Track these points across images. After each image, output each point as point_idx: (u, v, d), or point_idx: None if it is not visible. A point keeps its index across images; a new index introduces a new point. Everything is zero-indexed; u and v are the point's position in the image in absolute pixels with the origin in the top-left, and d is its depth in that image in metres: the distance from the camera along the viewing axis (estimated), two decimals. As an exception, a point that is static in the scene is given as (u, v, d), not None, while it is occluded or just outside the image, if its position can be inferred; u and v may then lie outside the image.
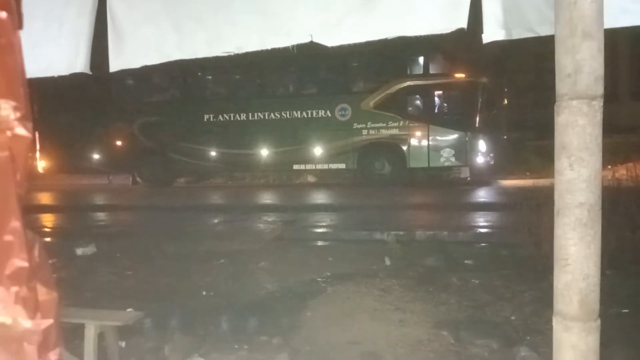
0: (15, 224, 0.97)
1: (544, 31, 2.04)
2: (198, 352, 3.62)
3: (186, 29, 2.50)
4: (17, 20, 1.01)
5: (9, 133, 0.98)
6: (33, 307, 0.97)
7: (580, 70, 1.60)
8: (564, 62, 1.63)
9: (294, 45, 2.32)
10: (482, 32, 2.18)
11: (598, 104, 1.61)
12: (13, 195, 0.98)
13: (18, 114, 0.98)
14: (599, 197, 1.63)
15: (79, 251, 6.79)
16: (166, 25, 2.52)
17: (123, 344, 3.60)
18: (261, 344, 3.79)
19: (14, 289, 0.96)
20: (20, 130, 0.99)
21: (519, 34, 2.14)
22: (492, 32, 2.16)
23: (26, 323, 0.97)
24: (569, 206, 1.64)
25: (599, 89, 1.61)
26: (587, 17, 1.58)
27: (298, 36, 2.30)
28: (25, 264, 0.97)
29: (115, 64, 2.60)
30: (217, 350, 3.67)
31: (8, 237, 0.96)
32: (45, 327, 0.99)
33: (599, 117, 1.61)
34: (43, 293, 1.00)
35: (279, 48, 2.36)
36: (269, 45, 2.38)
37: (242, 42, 2.42)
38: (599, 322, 1.66)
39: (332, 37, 2.30)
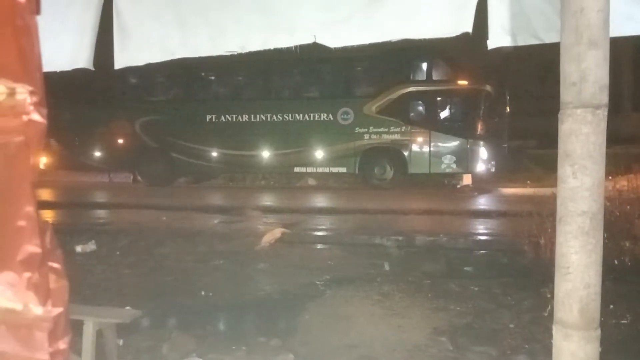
0: (29, 209, 0.96)
1: (549, 38, 2.04)
2: (196, 352, 3.61)
3: (190, 26, 2.50)
4: (34, 4, 1.00)
5: (24, 118, 0.97)
6: (44, 294, 0.95)
7: (585, 79, 1.61)
8: (569, 70, 1.63)
9: (297, 46, 2.32)
10: (487, 38, 2.18)
11: (602, 113, 1.61)
12: (28, 181, 0.96)
13: (34, 99, 0.97)
14: (601, 205, 1.63)
15: (79, 248, 6.79)
16: (171, 22, 2.52)
17: (121, 342, 3.60)
18: (259, 345, 3.79)
19: (26, 274, 0.94)
20: (36, 116, 0.98)
21: (524, 40, 2.14)
22: (498, 37, 2.16)
23: (37, 310, 0.95)
24: (571, 214, 1.64)
25: (604, 98, 1.62)
26: (593, 26, 1.59)
27: (302, 36, 2.29)
28: (38, 250, 0.95)
29: (120, 61, 2.59)
30: (215, 350, 3.66)
31: (21, 222, 0.95)
32: (56, 314, 0.97)
33: (603, 125, 1.62)
34: (53, 280, 0.98)
35: (282, 49, 2.36)
36: (272, 45, 2.37)
37: (246, 41, 2.41)
38: (599, 331, 1.65)
39: (336, 38, 2.30)
